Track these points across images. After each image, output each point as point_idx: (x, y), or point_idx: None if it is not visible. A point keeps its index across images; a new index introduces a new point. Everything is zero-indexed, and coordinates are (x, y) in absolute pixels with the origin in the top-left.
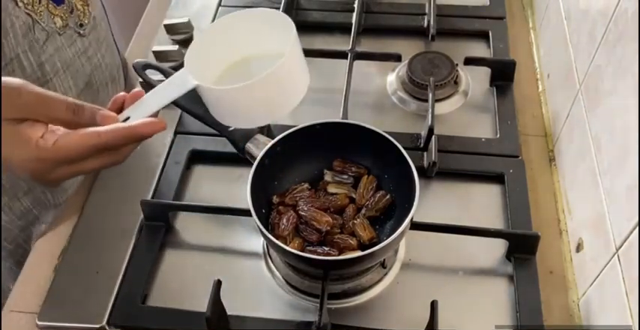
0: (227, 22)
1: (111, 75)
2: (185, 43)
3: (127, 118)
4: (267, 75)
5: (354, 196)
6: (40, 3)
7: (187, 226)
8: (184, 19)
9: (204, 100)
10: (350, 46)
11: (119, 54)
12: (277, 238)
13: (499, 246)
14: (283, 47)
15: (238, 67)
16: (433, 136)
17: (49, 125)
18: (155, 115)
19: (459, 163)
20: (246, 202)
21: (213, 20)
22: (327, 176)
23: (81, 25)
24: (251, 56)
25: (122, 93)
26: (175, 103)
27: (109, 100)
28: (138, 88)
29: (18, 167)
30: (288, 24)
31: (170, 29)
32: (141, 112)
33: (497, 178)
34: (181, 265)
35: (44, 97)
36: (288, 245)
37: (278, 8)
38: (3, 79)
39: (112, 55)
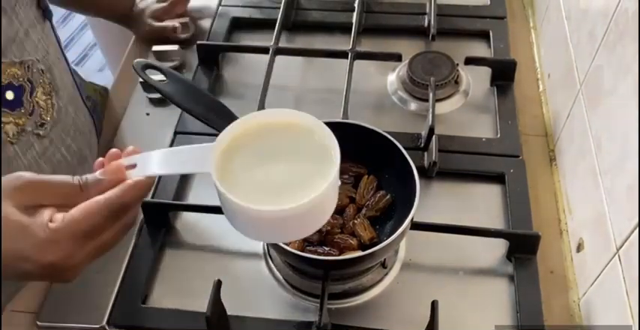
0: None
1: (80, 159)
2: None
3: (134, 165)
4: (298, 206)
5: (354, 196)
6: None
7: (187, 226)
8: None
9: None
10: (350, 46)
11: (91, 113)
12: None
13: (499, 246)
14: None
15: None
16: (434, 136)
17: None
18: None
19: (460, 163)
20: None
21: (213, 20)
22: None
23: (42, 125)
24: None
25: (115, 149)
26: (175, 103)
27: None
28: (132, 147)
29: (36, 260)
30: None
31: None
32: (148, 170)
33: (497, 178)
34: (181, 265)
35: (46, 179)
36: (288, 245)
37: (278, 8)
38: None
39: (80, 134)
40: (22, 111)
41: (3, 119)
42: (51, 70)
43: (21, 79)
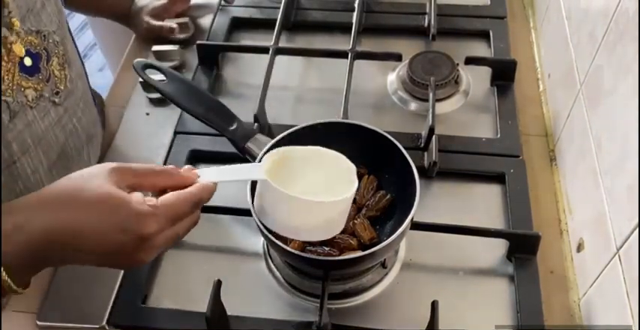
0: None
1: (88, 135)
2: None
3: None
4: (330, 202)
5: (354, 196)
6: (3, 82)
7: None
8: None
9: (261, 192)
10: (350, 46)
11: (95, 103)
12: (277, 238)
13: (500, 246)
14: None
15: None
16: (434, 136)
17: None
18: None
19: (460, 163)
20: (247, 202)
21: (213, 20)
22: None
23: (57, 93)
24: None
25: (172, 166)
26: (175, 103)
27: (81, 166)
28: (188, 166)
29: (134, 231)
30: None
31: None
32: (212, 177)
33: (497, 178)
34: (181, 265)
35: (132, 165)
36: (288, 245)
37: (278, 8)
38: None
39: (89, 111)
40: (40, 77)
41: (23, 84)
42: (64, 42)
43: (38, 48)
